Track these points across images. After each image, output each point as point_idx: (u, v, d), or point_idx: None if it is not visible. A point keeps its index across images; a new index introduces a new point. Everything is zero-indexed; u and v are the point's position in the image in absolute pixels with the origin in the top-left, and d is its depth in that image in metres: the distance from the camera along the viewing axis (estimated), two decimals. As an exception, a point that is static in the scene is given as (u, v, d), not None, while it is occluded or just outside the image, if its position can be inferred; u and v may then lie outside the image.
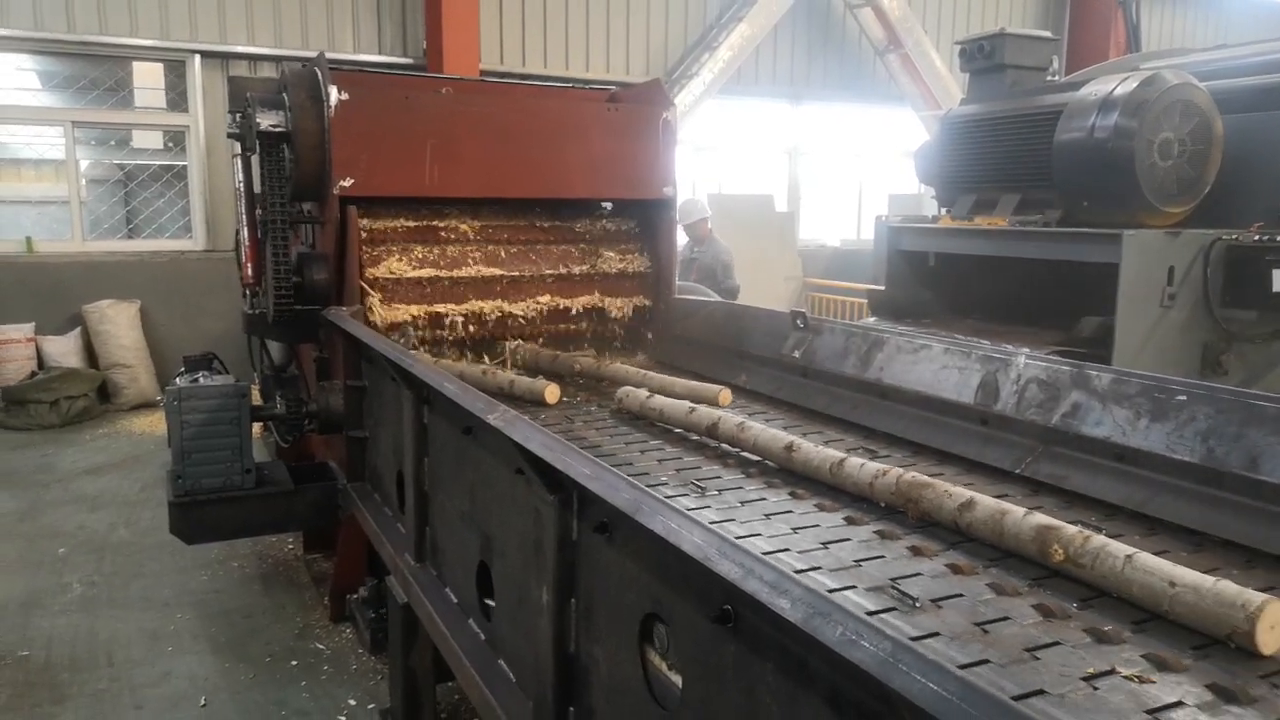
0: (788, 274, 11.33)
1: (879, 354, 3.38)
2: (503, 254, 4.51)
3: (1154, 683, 1.55)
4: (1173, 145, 4.88)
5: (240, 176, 4.69)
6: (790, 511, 2.45)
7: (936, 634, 1.71)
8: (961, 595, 1.90)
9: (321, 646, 4.02)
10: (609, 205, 4.88)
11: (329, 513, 4.09)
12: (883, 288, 6.28)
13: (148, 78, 9.11)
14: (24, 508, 5.80)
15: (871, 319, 6.20)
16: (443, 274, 4.31)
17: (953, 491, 2.24)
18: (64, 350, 8.36)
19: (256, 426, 5.17)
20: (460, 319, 4.32)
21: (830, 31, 12.05)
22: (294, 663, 3.88)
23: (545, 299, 4.53)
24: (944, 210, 6.26)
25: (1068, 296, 5.36)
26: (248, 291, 4.76)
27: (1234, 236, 4.75)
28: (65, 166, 8.86)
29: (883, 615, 1.73)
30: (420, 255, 4.32)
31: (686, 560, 1.28)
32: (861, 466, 2.48)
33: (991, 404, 2.87)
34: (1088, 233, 4.97)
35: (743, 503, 2.53)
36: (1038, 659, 1.63)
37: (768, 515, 2.42)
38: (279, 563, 4.98)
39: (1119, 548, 1.87)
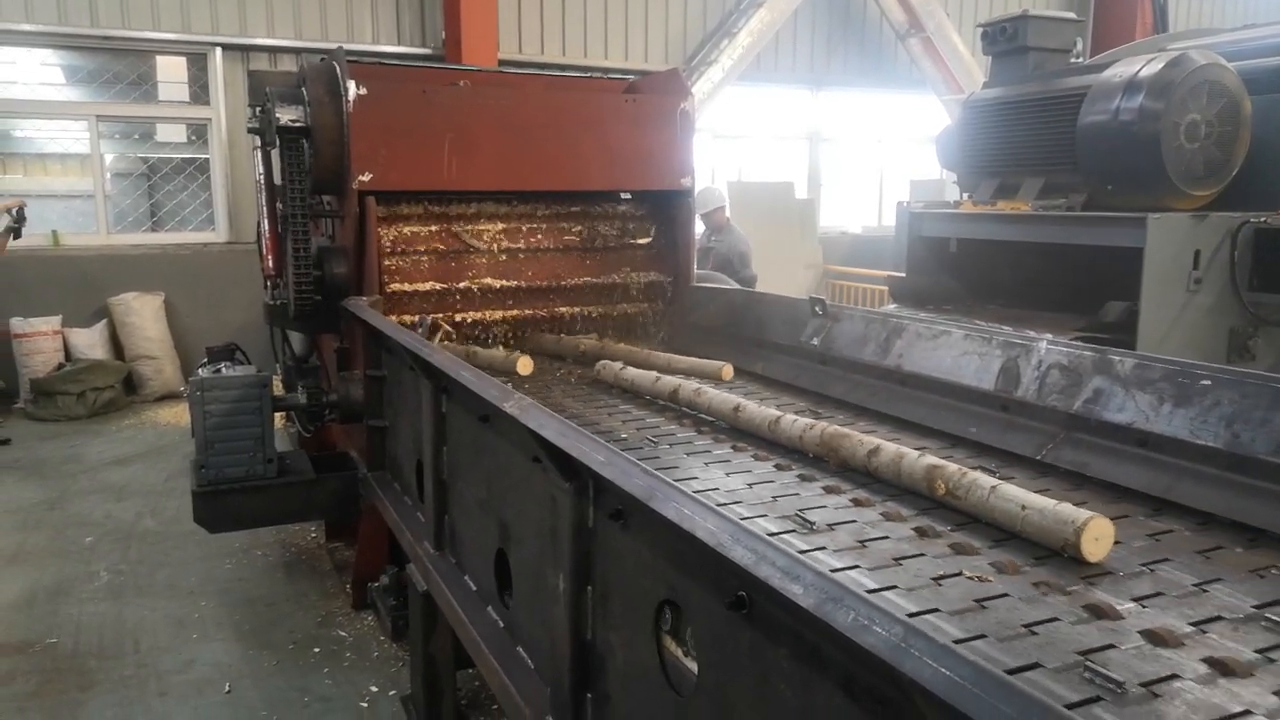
0: (808, 261, 11.26)
1: (898, 341, 3.35)
2: (521, 246, 4.51)
3: (990, 582, 1.86)
4: (1200, 127, 4.80)
5: (260, 169, 4.72)
6: (729, 460, 2.81)
7: (823, 548, 2.06)
8: (854, 521, 2.26)
9: (344, 634, 4.06)
10: (628, 195, 4.86)
11: (350, 502, 4.12)
12: (904, 274, 6.23)
13: (171, 71, 9.18)
14: (52, 497, 5.89)
15: (892, 306, 6.15)
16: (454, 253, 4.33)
17: (864, 440, 2.58)
18: (90, 342, 8.46)
19: (279, 417, 5.23)
20: (472, 316, 4.36)
21: (851, 16, 11.93)
22: (317, 650, 3.91)
23: (560, 283, 4.53)
24: (966, 195, 6.20)
25: (1092, 281, 5.29)
26: (269, 283, 4.79)
27: (1262, 219, 4.68)
28: (90, 160, 8.95)
29: (783, 535, 1.92)
30: (437, 248, 4.33)
31: (700, 547, 1.27)
32: (794, 422, 2.82)
33: (1013, 390, 2.84)
34: (1112, 217, 4.91)
35: (689, 454, 2.89)
36: (900, 565, 1.97)
37: (708, 463, 2.78)
38: (301, 551, 5.03)
39: (987, 480, 2.19)
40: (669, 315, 4.78)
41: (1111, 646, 1.60)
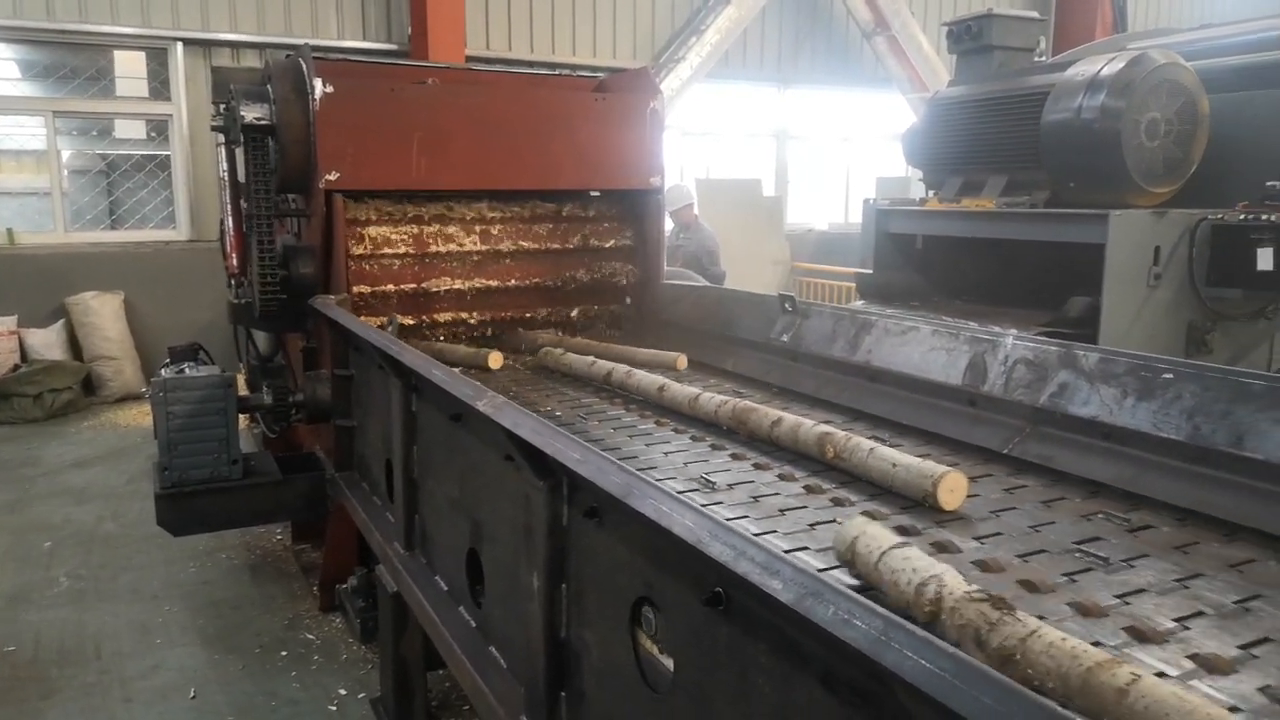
0: (775, 258, 11.32)
1: (867, 337, 3.38)
2: (491, 245, 4.48)
3: (912, 545, 1.89)
4: (1159, 125, 4.88)
5: (225, 167, 4.64)
6: (650, 434, 3.09)
7: (720, 503, 2.35)
8: (753, 481, 2.54)
9: (311, 636, 4.01)
10: (597, 194, 4.85)
11: (317, 503, 4.07)
12: (870, 271, 6.28)
13: (129, 66, 9.01)
14: (10, 501, 5.76)
15: (860, 302, 6.20)
16: (422, 253, 4.30)
17: (769, 413, 2.85)
18: (48, 343, 8.28)
19: (243, 417, 5.15)
20: (441, 317, 4.34)
21: (817, 14, 12.00)
22: (284, 653, 3.86)
23: (532, 282, 4.52)
24: (931, 193, 6.26)
25: (1055, 277, 5.37)
26: (233, 282, 4.72)
27: (1219, 216, 4.77)
28: (47, 157, 8.76)
29: (688, 494, 2.02)
30: (404, 247, 4.29)
31: (677, 543, 1.27)
32: (710, 399, 3.08)
33: (980, 385, 2.87)
34: (1075, 213, 4.98)
35: (615, 429, 3.17)
36: (784, 515, 2.26)
37: (631, 436, 3.06)
38: (267, 553, 4.96)
39: (865, 444, 2.47)
40: (640, 313, 4.77)
41: (1063, 609, 1.76)
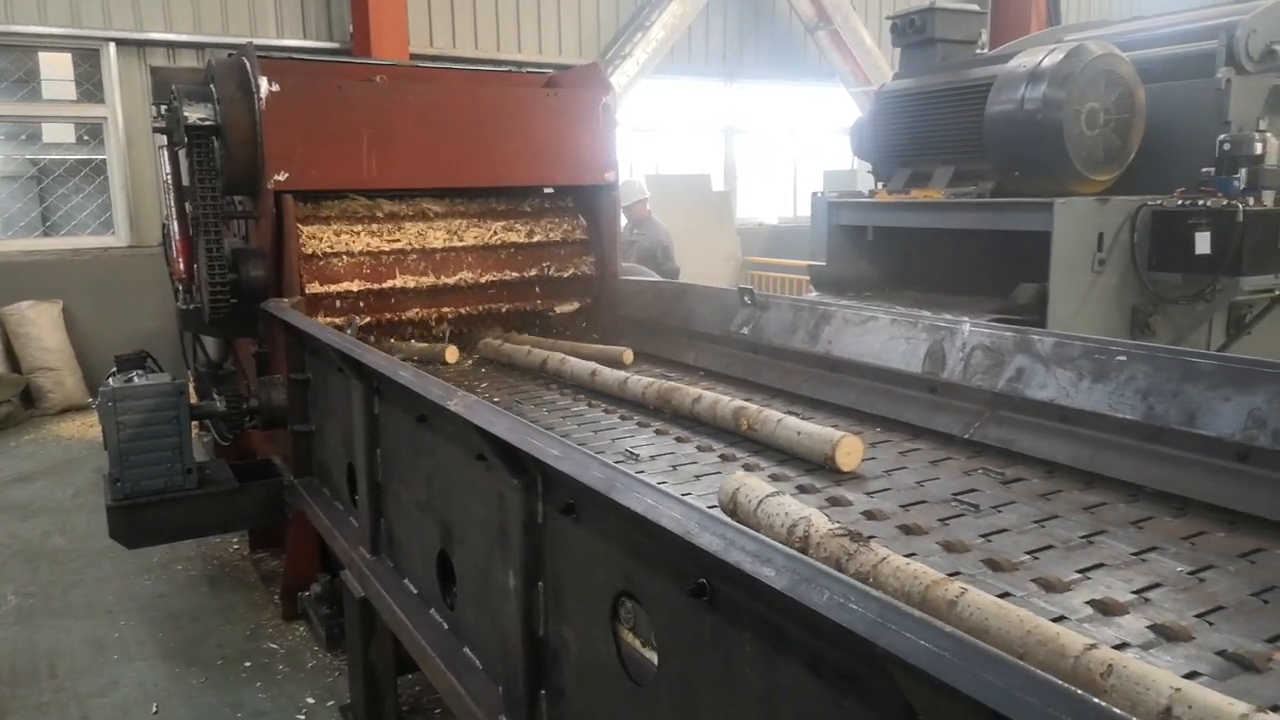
0: (727, 253, 11.39)
1: (827, 327, 3.42)
2: (443, 243, 4.44)
3: (785, 494, 2.11)
4: (1099, 114, 5.01)
5: (167, 169, 4.53)
6: (582, 415, 3.33)
7: (642, 472, 2.53)
8: (673, 453, 2.81)
9: (275, 646, 3.94)
10: (551, 190, 4.83)
11: (276, 510, 4.00)
12: (823, 263, 6.35)
13: (56, 69, 8.72)
14: (-51, 520, 5.57)
15: (814, 294, 6.27)
16: (374, 252, 4.25)
17: (691, 391, 3.11)
18: (-17, 355, 8.01)
19: (195, 426, 5.03)
20: (395, 316, 4.30)
21: (761, 9, 12.08)
22: (248, 664, 3.79)
23: (486, 279, 4.49)
24: (880, 184, 6.35)
25: (1004, 265, 5.49)
26: (180, 287, 4.61)
27: (1159, 202, 4.92)
28: (-26, 163, 8.45)
29: (617, 464, 2.03)
30: (357, 245, 4.23)
31: (660, 535, 1.28)
32: (638, 381, 3.33)
33: (939, 372, 2.93)
34: (1020, 202, 5.10)
35: (549, 411, 3.40)
36: (699, 480, 2.52)
37: (564, 418, 3.29)
38: (225, 563, 4.86)
39: (775, 415, 2.74)
40: (597, 309, 4.77)
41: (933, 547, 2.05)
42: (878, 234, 6.18)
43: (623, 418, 3.24)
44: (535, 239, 4.64)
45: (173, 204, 4.41)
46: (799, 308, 3.61)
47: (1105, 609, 1.70)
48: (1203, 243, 4.69)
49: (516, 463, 1.80)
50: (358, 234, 4.23)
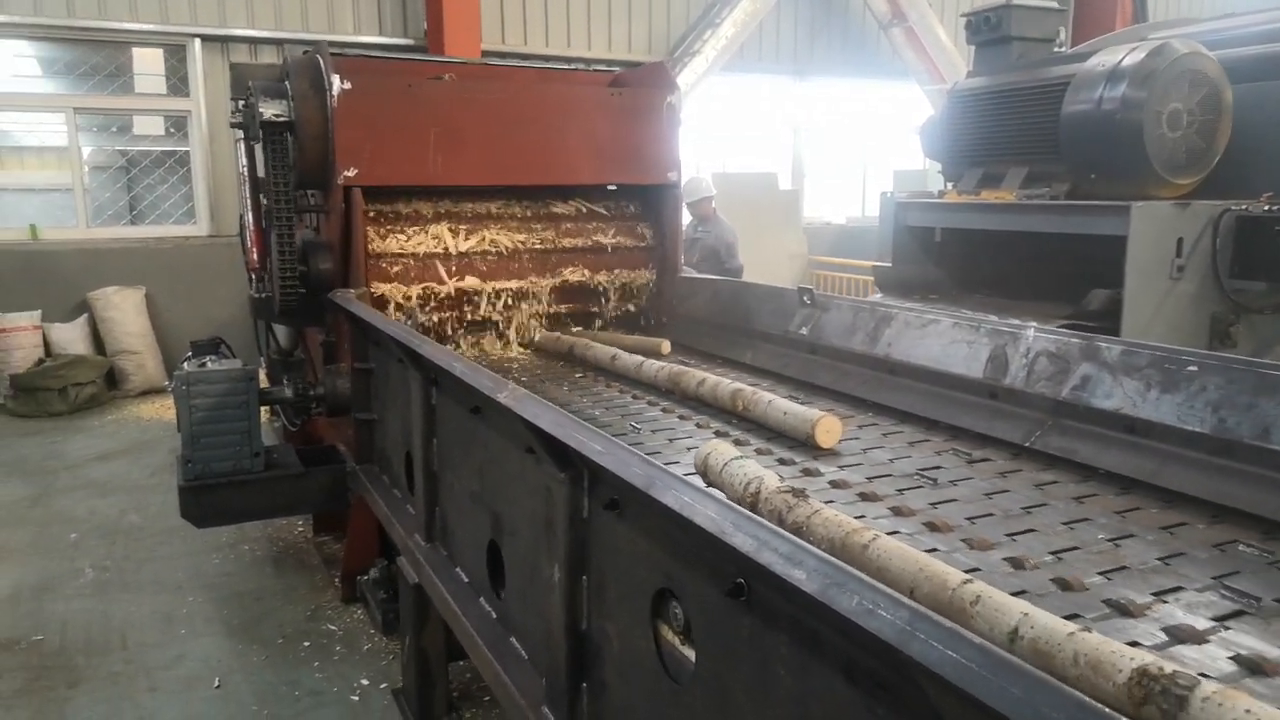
0: (792, 252, 11.28)
1: (886, 330, 3.37)
2: (507, 239, 4.49)
3: (749, 459, 2.34)
4: (1181, 116, 4.83)
5: (244, 162, 4.68)
6: (600, 394, 3.62)
7: (640, 443, 2.86)
8: (673, 428, 3.07)
9: (333, 628, 4.05)
10: (614, 188, 4.85)
11: (338, 495, 4.10)
12: (889, 264, 6.25)
13: (148, 63, 9.08)
14: (35, 494, 5.83)
15: (878, 295, 6.17)
16: (439, 250, 4.31)
17: (697, 375, 3.34)
18: (71, 338, 8.37)
19: (263, 411, 5.19)
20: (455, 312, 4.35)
21: (833, 5, 11.93)
22: (306, 644, 3.90)
23: (545, 280, 4.53)
24: (950, 185, 6.22)
25: (1076, 270, 5.33)
26: (253, 276, 4.76)
27: (1243, 207, 4.72)
28: (68, 153, 8.84)
29: (615, 436, 2.12)
30: (418, 240, 4.31)
31: (699, 534, 1.28)
32: (652, 365, 3.60)
33: (1001, 378, 2.86)
34: (1096, 205, 4.94)
35: (569, 389, 3.72)
36: (689, 451, 2.67)
37: (581, 396, 3.59)
38: (289, 545, 5.00)
39: (766, 396, 2.98)
40: (658, 307, 4.77)
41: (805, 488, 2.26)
42: (946, 236, 6.05)
43: (634, 397, 3.53)
44: (596, 238, 4.66)
45: (248, 196, 4.55)
46: (859, 309, 3.56)
47: (1121, 610, 1.69)
48: (1289, 250, 4.48)
49: (563, 457, 1.82)
50: (423, 234, 4.30)
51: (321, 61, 4.01)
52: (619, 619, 1.79)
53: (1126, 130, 4.79)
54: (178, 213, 9.31)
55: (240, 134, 4.62)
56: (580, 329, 4.60)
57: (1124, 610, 1.68)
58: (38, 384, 7.80)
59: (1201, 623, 1.63)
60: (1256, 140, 4.99)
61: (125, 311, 8.54)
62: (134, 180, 10.02)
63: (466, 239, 4.38)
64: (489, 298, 4.41)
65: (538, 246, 4.54)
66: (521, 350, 4.43)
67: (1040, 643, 1.30)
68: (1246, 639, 1.58)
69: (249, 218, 4.78)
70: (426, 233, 4.32)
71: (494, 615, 2.47)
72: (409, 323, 4.04)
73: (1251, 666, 1.47)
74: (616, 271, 4.69)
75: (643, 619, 1.67)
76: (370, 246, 4.17)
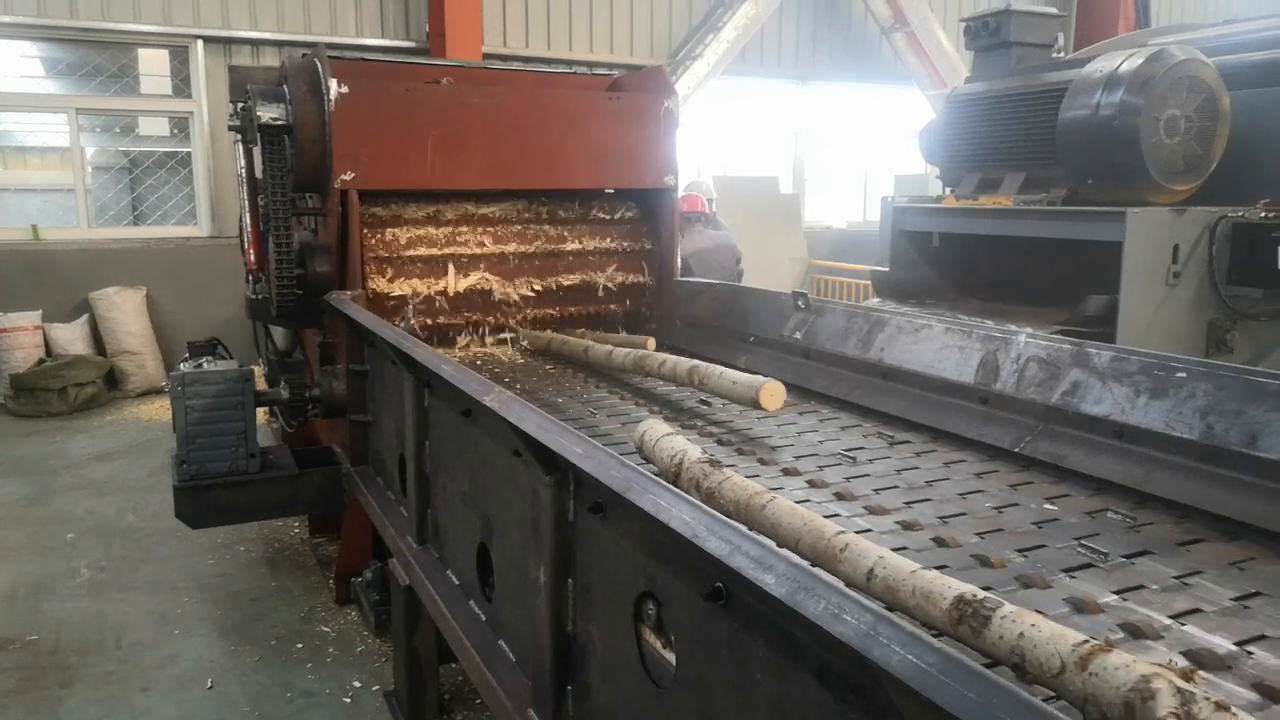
0: (792, 256, 11.29)
1: (880, 335, 3.37)
2: (504, 243, 4.50)
3: (695, 428, 2.93)
4: (1179, 122, 4.84)
5: (242, 163, 4.69)
6: (573, 384, 3.83)
7: (597, 425, 3.14)
8: (628, 415, 3.29)
9: (327, 629, 4.05)
10: (611, 192, 4.86)
11: (333, 497, 4.11)
12: (886, 269, 6.25)
13: (153, 64, 9.11)
14: (33, 494, 5.85)
15: (875, 300, 6.18)
16: (439, 254, 4.32)
17: (657, 357, 3.54)
18: (71, 338, 8.40)
19: (262, 412, 5.19)
20: (452, 315, 4.36)
21: (836, 10, 11.95)
22: (300, 645, 3.91)
23: (542, 283, 4.54)
24: (949, 190, 6.23)
25: (1073, 275, 5.33)
26: (251, 278, 4.77)
27: (1240, 214, 4.72)
28: (70, 154, 8.87)
29: (569, 421, 2.52)
30: (419, 242, 4.32)
31: (677, 538, 1.28)
32: (620, 352, 3.78)
33: (991, 383, 2.87)
34: (1092, 211, 4.95)
35: (539, 380, 3.90)
36: (632, 425, 2.82)
37: (549, 386, 3.78)
38: (285, 546, 5.01)
39: (717, 369, 3.16)
40: (655, 310, 4.78)
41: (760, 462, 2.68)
42: (944, 240, 6.06)
43: (598, 385, 3.80)
44: (593, 242, 4.67)
45: (246, 198, 4.56)
46: (852, 313, 3.56)
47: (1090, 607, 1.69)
48: (1286, 257, 4.48)
49: (549, 460, 1.82)
50: (418, 234, 4.31)
51: (319, 65, 4.02)
52: (603, 622, 1.79)
53: (1124, 136, 4.79)
54: (179, 213, 9.33)
55: (239, 136, 4.63)
56: (584, 330, 4.60)
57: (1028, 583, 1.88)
58: (38, 384, 7.82)
59: (1103, 595, 1.83)
60: (1254, 147, 4.99)
61: (126, 312, 8.56)
62: (137, 181, 10.05)
63: (464, 243, 4.39)
64: (487, 300, 4.42)
65: (535, 250, 4.55)
66: (514, 352, 4.44)
67: (889, 580, 1.57)
68: (1085, 586, 1.86)
69: (247, 220, 4.79)
70: (424, 236, 4.33)
71: (483, 618, 2.48)
72: (403, 325, 4.05)
73: (1079, 607, 1.77)
74: (613, 274, 4.70)
75: (626, 622, 1.68)
76: (367, 249, 4.18)
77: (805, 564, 1.04)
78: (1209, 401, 2.29)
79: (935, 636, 0.86)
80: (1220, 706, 1.01)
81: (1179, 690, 1.05)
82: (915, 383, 3.14)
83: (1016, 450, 2.69)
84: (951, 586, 1.45)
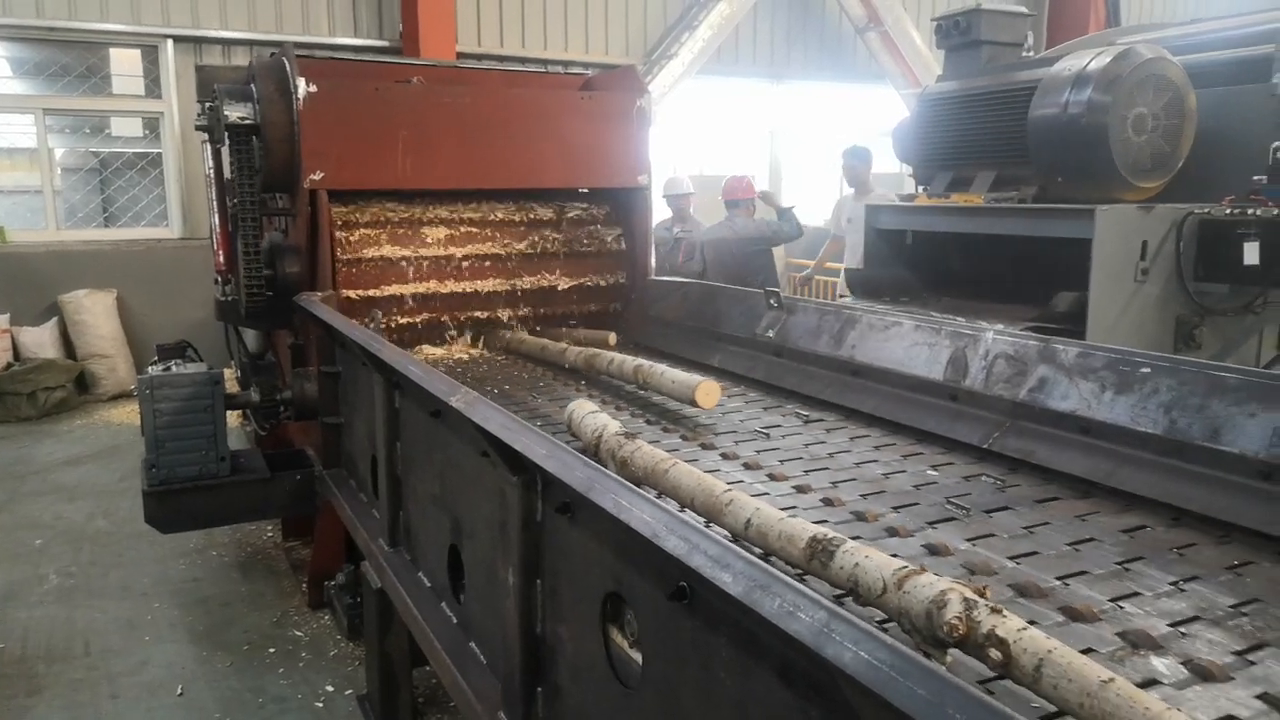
0: (769, 254, 11.29)
1: (851, 332, 3.39)
2: (477, 242, 4.48)
3: (601, 413, 2.69)
4: (1146, 120, 4.88)
5: (210, 165, 4.65)
6: (527, 377, 3.93)
7: (546, 419, 3.19)
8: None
9: (299, 633, 4.02)
10: (584, 192, 4.85)
11: (305, 500, 4.08)
12: (860, 267, 6.28)
13: (126, 64, 8.99)
14: (1, 500, 5.76)
15: (848, 298, 6.21)
16: (411, 254, 4.29)
17: (606, 355, 3.70)
18: (41, 341, 8.28)
19: (235, 415, 5.14)
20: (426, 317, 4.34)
21: (810, 10, 11.99)
22: (272, 650, 3.87)
23: (516, 283, 4.52)
24: (921, 188, 6.26)
25: (1044, 272, 5.37)
26: (220, 279, 4.72)
27: (1206, 210, 4.77)
28: (38, 154, 8.74)
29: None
30: (391, 244, 4.29)
31: (641, 538, 1.28)
32: (574, 351, 3.93)
33: (960, 380, 2.88)
34: (1062, 208, 4.98)
35: (497, 375, 3.95)
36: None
37: (508, 382, 3.83)
38: (257, 550, 4.97)
39: (660, 368, 3.31)
40: (628, 309, 4.78)
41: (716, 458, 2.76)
42: (917, 238, 6.09)
43: (555, 378, 3.88)
44: (567, 242, 4.66)
45: (214, 199, 4.52)
46: (824, 312, 3.58)
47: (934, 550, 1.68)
48: (1251, 253, 4.53)
49: (515, 460, 1.82)
50: (390, 237, 4.28)
51: (287, 64, 3.98)
52: (572, 623, 1.79)
53: (1092, 134, 4.83)
54: (150, 215, 9.23)
55: (206, 136, 4.58)
56: (540, 329, 4.59)
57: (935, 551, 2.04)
58: (6, 388, 7.71)
59: (956, 542, 2.07)
60: (1220, 145, 5.05)
61: (96, 315, 8.45)
62: (107, 182, 9.93)
63: (436, 243, 4.37)
64: (460, 301, 4.40)
65: (507, 250, 4.53)
66: (486, 351, 4.42)
67: (762, 528, 1.82)
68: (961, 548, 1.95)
69: (216, 220, 4.75)
70: (394, 236, 4.30)
71: (454, 620, 2.46)
72: (373, 326, 4.02)
73: (973, 569, 1.94)
74: (587, 274, 4.69)
75: (593, 623, 1.68)
76: (337, 250, 4.15)
77: (763, 564, 1.04)
78: (1173, 396, 2.32)
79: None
80: (995, 610, 1.30)
81: (965, 599, 1.33)
82: (886, 380, 3.15)
83: (984, 446, 2.71)
84: (808, 529, 1.72)
